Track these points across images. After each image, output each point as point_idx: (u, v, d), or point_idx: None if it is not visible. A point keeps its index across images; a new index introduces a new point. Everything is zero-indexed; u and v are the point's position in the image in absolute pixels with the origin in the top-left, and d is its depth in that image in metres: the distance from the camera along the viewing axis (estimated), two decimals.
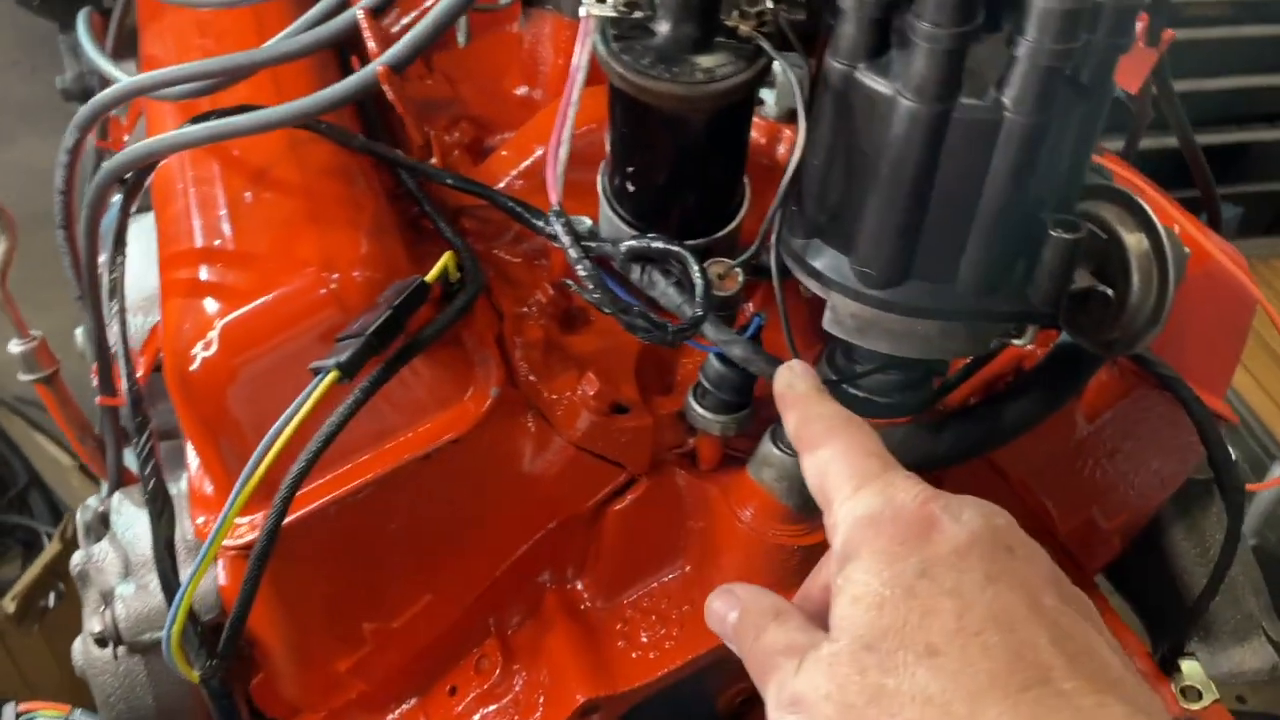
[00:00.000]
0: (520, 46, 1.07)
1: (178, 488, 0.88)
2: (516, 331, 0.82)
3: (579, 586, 0.90)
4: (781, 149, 0.93)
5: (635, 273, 0.72)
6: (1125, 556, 1.14)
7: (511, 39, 1.08)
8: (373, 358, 0.68)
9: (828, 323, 0.76)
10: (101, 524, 0.87)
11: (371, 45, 0.75)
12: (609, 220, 0.79)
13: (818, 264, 0.74)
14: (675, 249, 0.71)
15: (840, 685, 0.49)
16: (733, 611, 0.60)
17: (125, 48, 1.19)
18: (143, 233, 1.08)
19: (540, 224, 0.80)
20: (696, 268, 0.70)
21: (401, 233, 0.85)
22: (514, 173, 0.93)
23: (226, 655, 0.73)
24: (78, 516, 0.83)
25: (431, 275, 0.74)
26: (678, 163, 0.75)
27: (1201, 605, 1.03)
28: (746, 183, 0.83)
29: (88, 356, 0.79)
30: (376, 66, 0.68)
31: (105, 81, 1.10)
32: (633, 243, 0.73)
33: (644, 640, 0.86)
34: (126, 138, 1.21)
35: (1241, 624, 1.17)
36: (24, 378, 0.84)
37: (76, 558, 0.83)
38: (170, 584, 0.69)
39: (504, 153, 0.98)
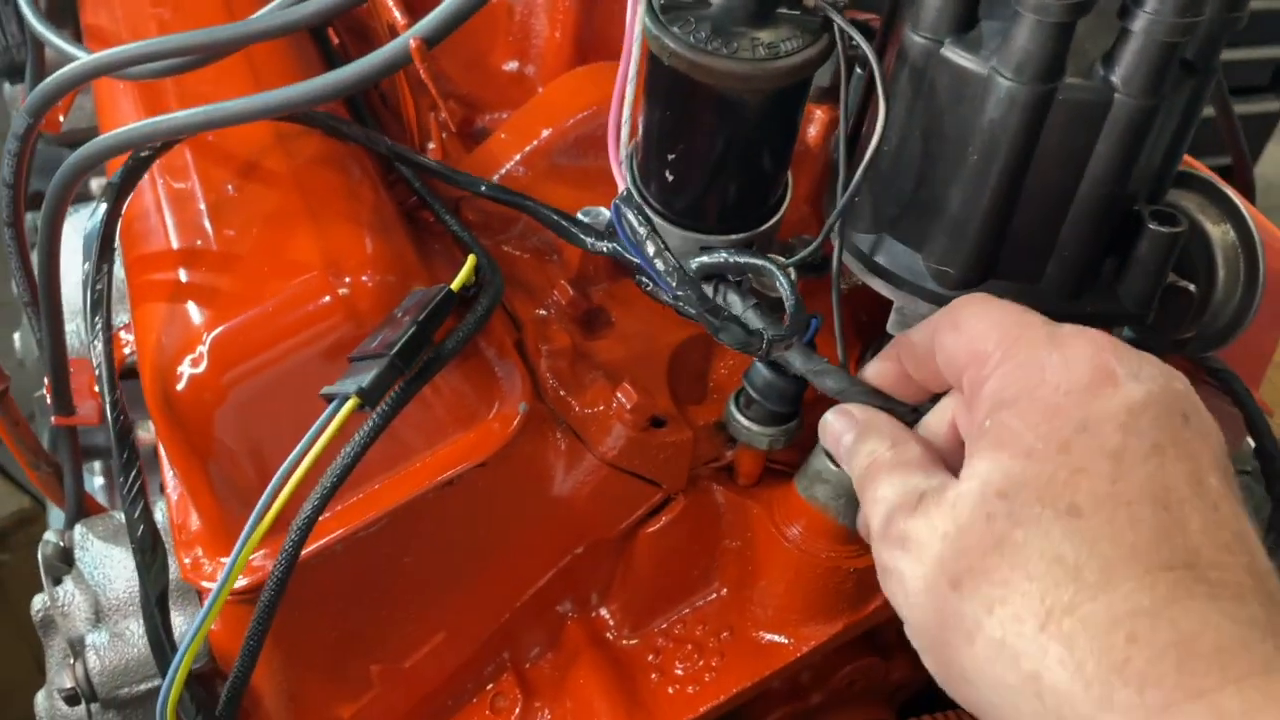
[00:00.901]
0: (509, 18, 0.97)
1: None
2: (541, 338, 0.74)
3: (604, 614, 0.82)
4: (812, 131, 0.85)
5: (709, 290, 0.64)
6: None
7: (499, 9, 0.98)
8: (397, 380, 0.59)
9: (893, 325, 0.69)
10: (63, 561, 0.76)
11: (398, 15, 0.66)
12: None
13: (885, 261, 0.67)
14: (760, 263, 0.63)
15: (961, 528, 0.46)
16: (848, 434, 0.58)
17: (55, 15, 1.06)
18: (74, 231, 0.97)
19: (586, 238, 0.71)
20: (788, 284, 0.62)
21: (404, 230, 0.75)
22: (517, 158, 0.84)
23: (227, 717, 0.64)
24: (40, 559, 0.72)
25: (458, 282, 0.65)
26: (727, 150, 0.67)
27: None
28: (789, 173, 0.75)
29: (25, 366, 0.68)
30: (408, 40, 0.58)
31: (39, 56, 0.98)
32: (706, 259, 0.64)
33: (679, 672, 0.79)
34: (62, 118, 1.08)
35: None
36: None
37: (37, 602, 0.72)
38: (162, 646, 0.59)
39: (502, 135, 0.88)
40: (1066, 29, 0.55)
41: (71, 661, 0.71)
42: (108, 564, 0.74)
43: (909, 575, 0.48)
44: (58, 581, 0.74)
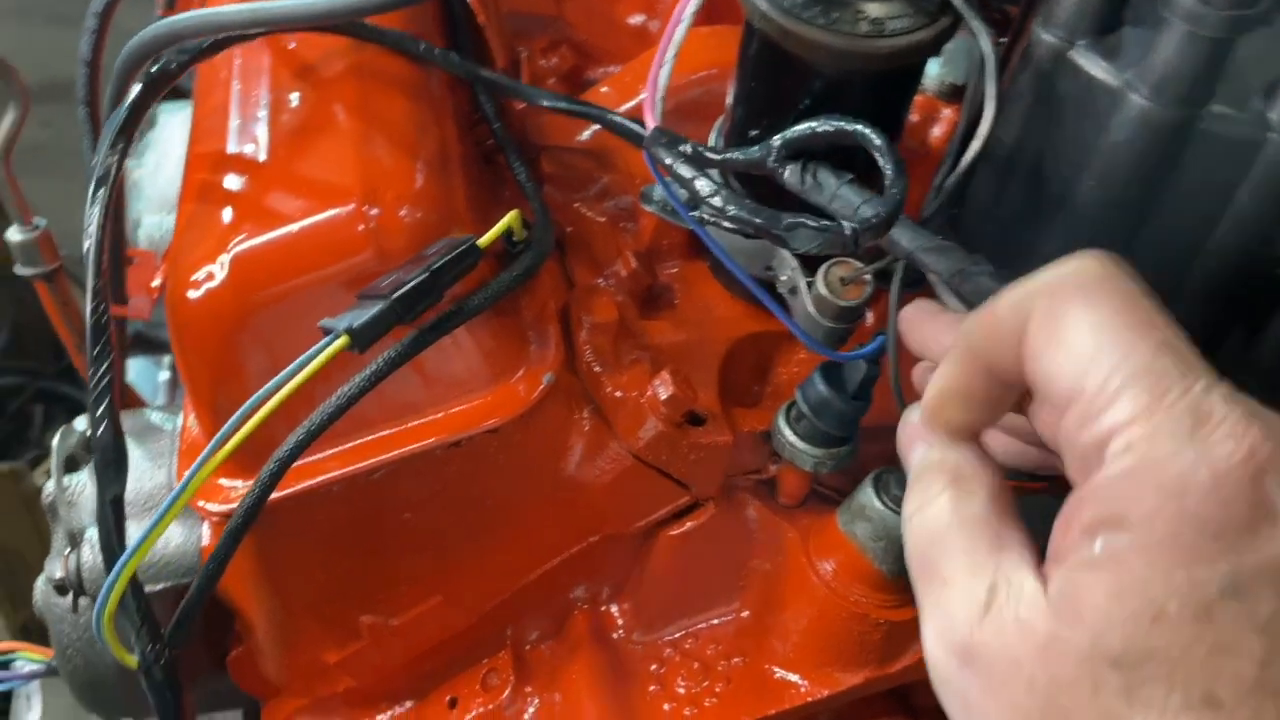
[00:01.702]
0: None
1: (174, 425, 0.77)
2: (586, 307, 0.68)
3: (614, 611, 0.77)
4: (936, 132, 0.77)
5: (794, 174, 0.55)
6: None
7: None
8: (394, 325, 0.55)
9: None
10: (86, 451, 0.76)
11: None
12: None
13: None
14: (854, 127, 0.53)
15: (1057, 684, 0.36)
16: (913, 451, 0.47)
17: None
18: (180, 123, 0.96)
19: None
20: (888, 148, 0.53)
21: (472, 169, 0.71)
22: (614, 114, 0.78)
23: (175, 642, 0.61)
24: (55, 441, 0.72)
25: (486, 238, 0.60)
26: None
27: None
28: None
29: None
30: None
31: None
32: (791, 132, 0.55)
33: (680, 690, 0.73)
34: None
35: None
36: (21, 271, 0.73)
37: (48, 487, 0.72)
38: (111, 549, 0.57)
39: (604, 89, 0.83)
40: (1223, 46, 0.46)
41: (67, 552, 0.70)
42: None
43: (976, 707, 0.38)
44: (72, 469, 0.73)
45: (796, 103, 0.59)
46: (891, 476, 0.65)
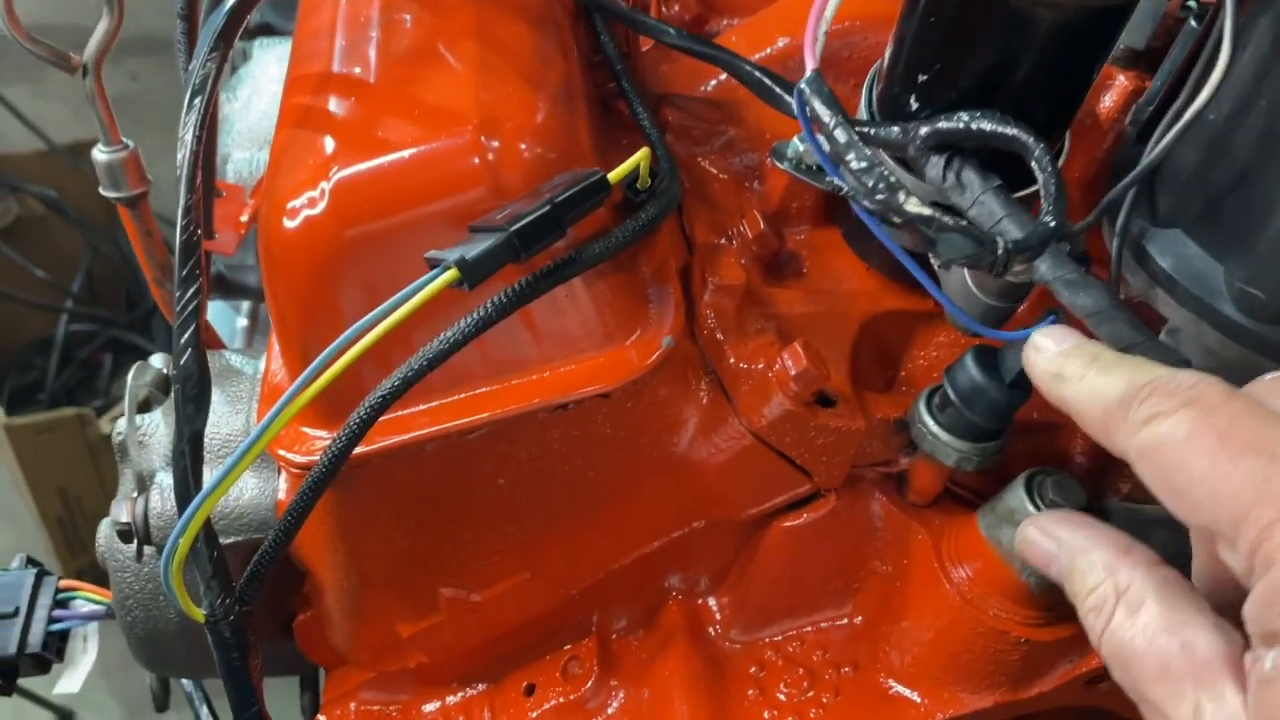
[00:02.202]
0: None
1: (255, 369, 0.72)
2: (711, 267, 0.62)
3: (712, 604, 0.70)
4: (1107, 101, 0.68)
5: (935, 168, 0.49)
6: None
7: None
8: (508, 263, 0.49)
9: None
10: (162, 390, 0.71)
11: None
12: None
13: (1169, 264, 0.51)
14: (1013, 132, 0.47)
15: None
16: (1056, 562, 0.46)
17: None
18: (276, 60, 0.91)
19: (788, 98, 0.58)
20: (1048, 161, 0.47)
21: (594, 110, 0.65)
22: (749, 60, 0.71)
23: (247, 598, 0.56)
24: (130, 376, 0.67)
25: (617, 172, 0.53)
26: (996, 78, 0.52)
27: None
28: (1067, 137, 0.60)
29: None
30: None
31: None
32: (942, 123, 0.49)
33: (781, 698, 0.66)
34: None
35: None
36: (106, 193, 0.68)
37: (119, 426, 0.67)
38: (186, 490, 0.52)
39: (734, 38, 0.76)
40: None
41: (135, 496, 0.65)
42: None
43: None
44: (145, 409, 0.69)
45: (978, 40, 0.52)
46: (1048, 480, 0.58)
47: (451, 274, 0.48)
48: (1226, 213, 0.49)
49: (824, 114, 0.50)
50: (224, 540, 0.66)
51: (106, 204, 0.70)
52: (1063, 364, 0.44)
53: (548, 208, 0.50)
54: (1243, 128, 0.47)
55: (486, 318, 0.52)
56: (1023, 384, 0.57)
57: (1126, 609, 0.40)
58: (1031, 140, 0.49)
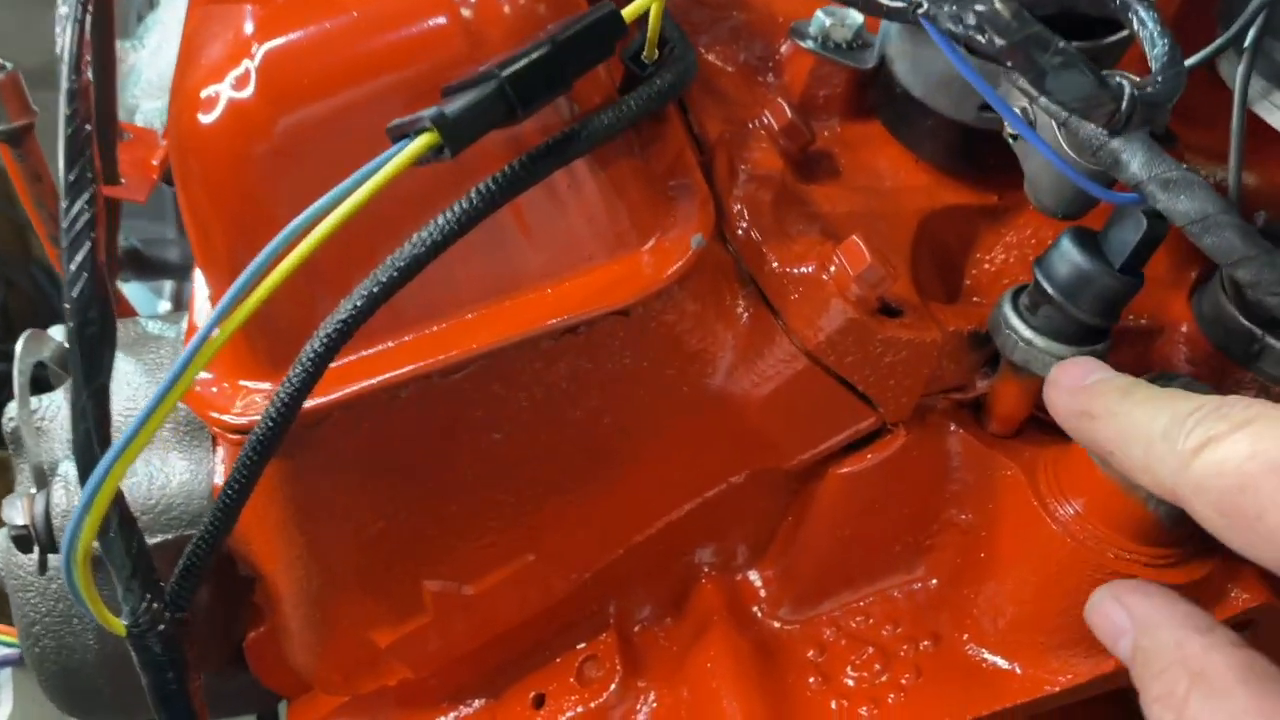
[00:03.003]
0: None
1: (177, 332, 0.59)
2: (739, 156, 0.50)
3: (753, 579, 0.58)
4: None
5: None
6: None
7: None
8: (501, 122, 0.37)
9: None
10: (64, 367, 0.58)
11: None
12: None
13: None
14: None
15: None
16: (1125, 637, 0.40)
17: None
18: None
19: None
20: (1153, 18, 0.38)
21: None
22: None
23: (179, 601, 0.43)
24: (19, 347, 0.54)
25: (631, 9, 0.42)
26: None
27: None
28: None
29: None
30: None
31: None
32: None
33: (849, 683, 0.54)
34: None
35: None
36: None
37: (11, 410, 0.54)
38: (92, 454, 0.39)
39: None
40: None
41: (33, 494, 0.52)
42: (112, 375, 0.55)
43: None
44: (43, 389, 0.55)
45: None
46: (1174, 383, 0.47)
47: (428, 138, 0.36)
48: None
49: None
50: (151, 539, 0.53)
51: (19, 233, 0.57)
52: (1090, 401, 0.41)
53: (548, 47, 0.38)
54: None
55: (472, 210, 0.40)
56: (1136, 266, 0.46)
57: (1205, 696, 0.35)
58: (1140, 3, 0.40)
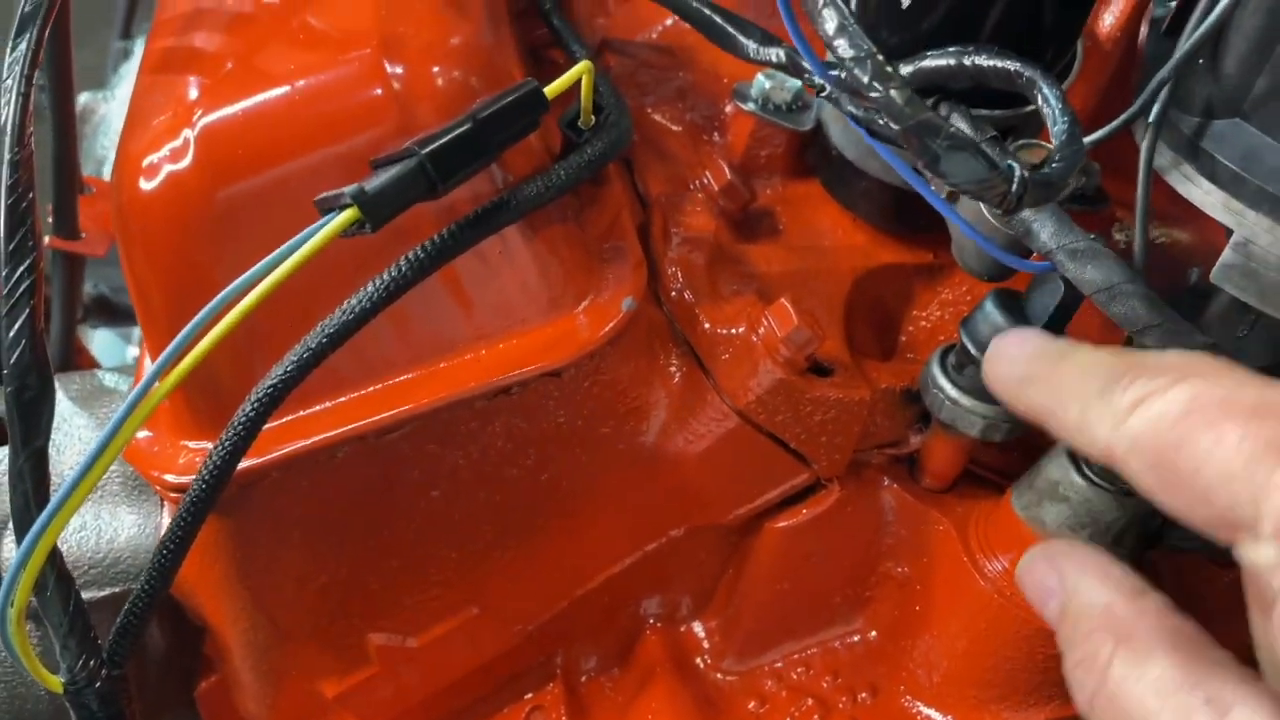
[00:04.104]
0: None
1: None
2: (674, 218, 0.52)
3: (698, 630, 0.59)
4: (1108, 20, 0.60)
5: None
6: None
7: None
8: (421, 197, 0.39)
9: (1224, 272, 0.44)
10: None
11: None
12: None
13: (1231, 157, 0.42)
14: (1015, 66, 0.40)
15: None
16: (1054, 600, 0.37)
17: None
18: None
19: (747, 41, 0.49)
20: (1058, 96, 0.39)
21: (521, 51, 0.55)
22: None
23: (117, 658, 0.44)
24: None
25: (554, 86, 0.43)
26: None
27: None
28: (1079, 47, 0.51)
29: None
30: None
31: None
32: (930, 60, 0.41)
33: None
34: None
35: None
36: None
37: None
38: (29, 521, 0.40)
39: None
40: None
41: None
42: (64, 430, 0.56)
43: None
44: None
45: None
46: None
47: (349, 214, 0.38)
48: None
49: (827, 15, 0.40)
50: (97, 593, 0.54)
51: None
52: (1028, 365, 0.39)
53: (469, 125, 0.39)
54: None
55: (401, 279, 0.41)
56: (1057, 327, 0.47)
57: (1128, 662, 0.32)
58: (1038, 75, 0.41)
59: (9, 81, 0.44)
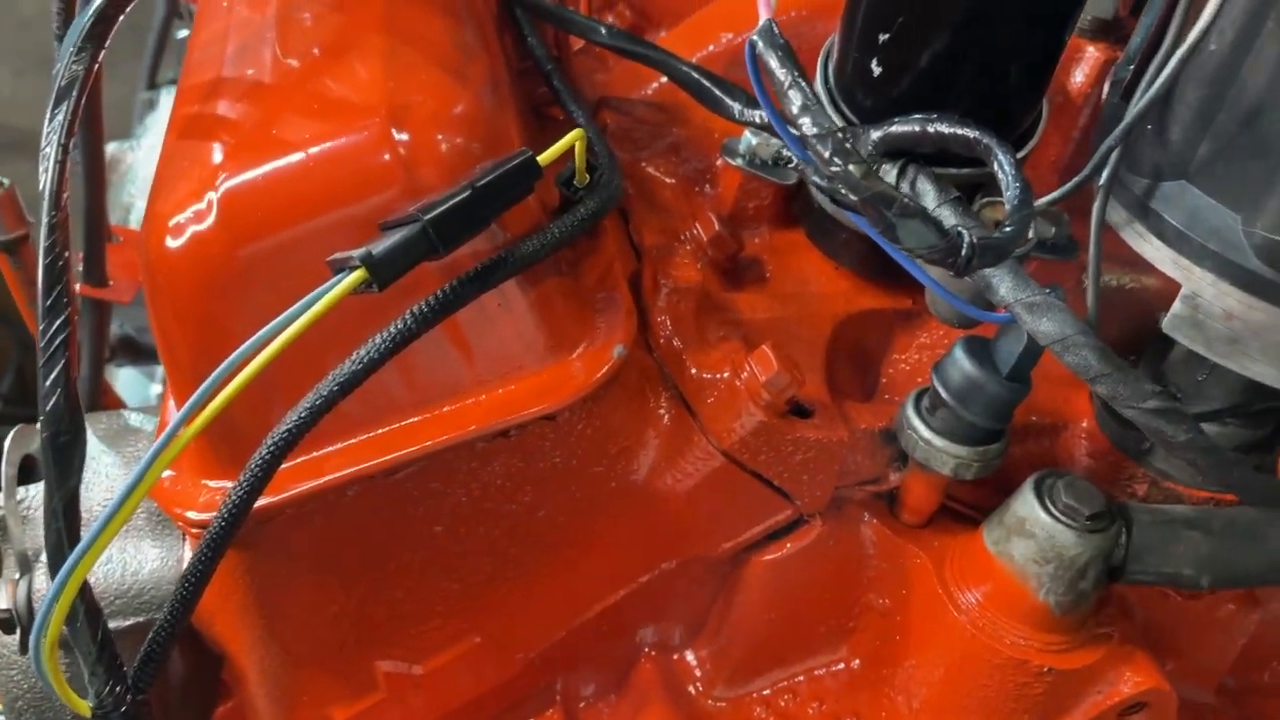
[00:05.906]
0: None
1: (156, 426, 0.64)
2: (663, 270, 0.55)
3: (690, 659, 0.62)
4: (1078, 76, 0.64)
5: (888, 177, 0.44)
6: None
7: None
8: (425, 258, 0.42)
9: (1175, 323, 0.47)
10: None
11: None
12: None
13: (1178, 220, 0.45)
14: (974, 134, 0.43)
15: None
16: None
17: None
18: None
19: (733, 104, 0.52)
20: (1010, 165, 0.42)
21: (523, 110, 0.58)
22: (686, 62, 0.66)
23: (141, 684, 0.47)
24: (8, 443, 0.59)
25: (548, 154, 0.47)
26: (969, 37, 0.47)
27: None
28: (1045, 106, 0.55)
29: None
30: None
31: None
32: (895, 127, 0.45)
33: None
34: None
35: None
36: None
37: None
38: (62, 557, 0.43)
39: (671, 38, 0.71)
40: None
41: (17, 578, 0.56)
42: (93, 468, 0.60)
43: None
44: (29, 479, 0.60)
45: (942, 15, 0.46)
46: (1059, 482, 0.51)
47: (358, 275, 0.41)
48: (1238, 155, 0.43)
49: (778, 71, 0.44)
50: (123, 622, 0.58)
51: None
52: None
53: (467, 193, 0.43)
54: (1250, 54, 0.41)
55: (406, 331, 0.45)
56: (1022, 374, 0.50)
57: None
58: (994, 142, 0.45)
59: (47, 149, 0.48)
